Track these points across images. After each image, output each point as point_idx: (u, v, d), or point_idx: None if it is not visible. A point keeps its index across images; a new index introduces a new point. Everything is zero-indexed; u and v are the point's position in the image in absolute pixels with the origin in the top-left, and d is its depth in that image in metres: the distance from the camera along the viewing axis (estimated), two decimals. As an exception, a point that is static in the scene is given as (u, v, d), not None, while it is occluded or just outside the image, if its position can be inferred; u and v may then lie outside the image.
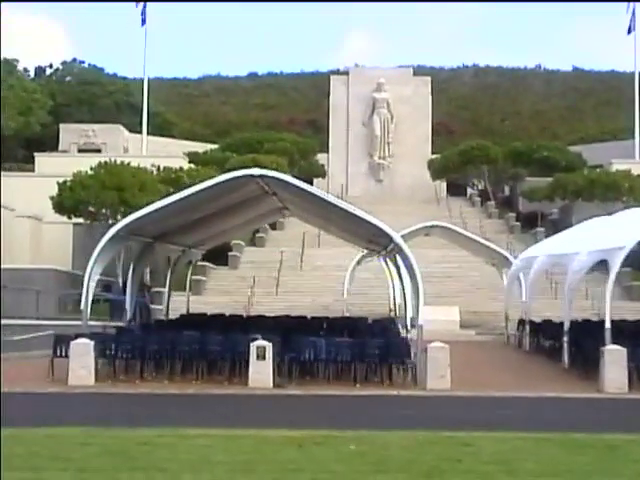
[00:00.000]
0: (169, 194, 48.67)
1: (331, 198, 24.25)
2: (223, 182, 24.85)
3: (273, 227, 61.25)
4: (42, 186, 55.39)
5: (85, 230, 52.41)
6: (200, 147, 77.84)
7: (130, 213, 46.23)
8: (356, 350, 23.69)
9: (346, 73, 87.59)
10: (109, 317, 42.38)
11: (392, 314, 38.29)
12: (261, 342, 23.00)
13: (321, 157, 78.23)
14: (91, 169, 46.43)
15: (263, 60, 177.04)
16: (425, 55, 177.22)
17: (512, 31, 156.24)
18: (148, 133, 72.03)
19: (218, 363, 24.59)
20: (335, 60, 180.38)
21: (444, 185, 76.63)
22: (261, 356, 22.83)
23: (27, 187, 56.73)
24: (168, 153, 70.08)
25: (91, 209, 45.61)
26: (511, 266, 40.20)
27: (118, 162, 46.86)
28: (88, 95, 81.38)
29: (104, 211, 45.62)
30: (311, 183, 74.67)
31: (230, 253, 54.35)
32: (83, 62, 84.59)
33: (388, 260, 32.97)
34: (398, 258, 26.74)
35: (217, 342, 23.89)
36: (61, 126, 74.30)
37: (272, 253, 55.72)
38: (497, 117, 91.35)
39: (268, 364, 22.82)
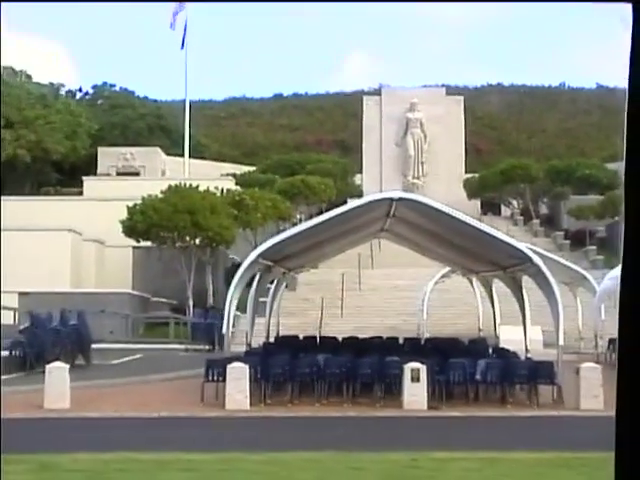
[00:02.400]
0: (235, 217, 49.25)
1: (474, 222, 24.54)
2: (362, 205, 25.10)
3: (323, 248, 61.38)
4: (92, 209, 55.67)
5: (145, 253, 52.65)
6: (235, 169, 78.11)
7: (202, 236, 46.80)
8: (506, 371, 23.93)
9: (375, 93, 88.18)
10: (190, 340, 42.59)
11: (481, 334, 38.50)
12: (415, 364, 23.21)
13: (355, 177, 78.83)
14: (161, 192, 46.63)
15: (288, 81, 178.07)
16: (450, 74, 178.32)
17: (535, 50, 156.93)
18: (185, 155, 72.40)
19: (358, 386, 24.74)
20: (358, 80, 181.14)
21: (478, 204, 77.02)
22: (415, 378, 23.04)
23: (77, 210, 56.72)
24: (205, 175, 70.41)
25: (162, 233, 45.73)
26: (586, 284, 40.57)
27: (187, 185, 47.10)
28: (120, 118, 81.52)
29: (175, 234, 45.79)
30: (345, 203, 75.24)
31: (291, 274, 54.41)
32: (114, 85, 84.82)
33: (488, 280, 33.27)
34: (524, 279, 27.06)
35: (368, 365, 24.09)
36: (99, 150, 74.40)
37: (327, 274, 55.82)
38: (524, 135, 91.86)
39: (423, 386, 23.03)
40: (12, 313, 43.19)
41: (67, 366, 23.27)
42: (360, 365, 24.16)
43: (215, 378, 23.97)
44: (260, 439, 18.48)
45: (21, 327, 32.34)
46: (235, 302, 25.77)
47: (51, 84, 67.83)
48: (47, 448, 16.31)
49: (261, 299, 51.57)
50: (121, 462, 14.25)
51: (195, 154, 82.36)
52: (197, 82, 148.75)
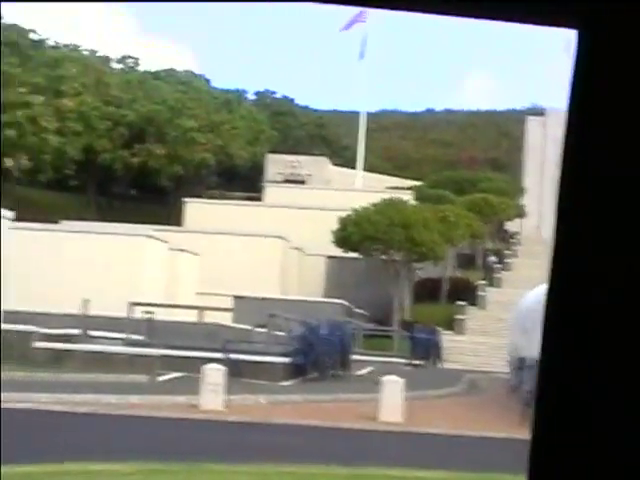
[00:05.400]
0: (441, 233, 49.38)
1: None
2: None
3: (503, 268, 61.18)
4: (277, 216, 56.18)
5: (338, 264, 53.08)
6: (397, 182, 78.30)
7: (416, 251, 46.96)
8: None
9: (529, 112, 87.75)
10: (410, 354, 42.69)
11: None
12: None
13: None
14: (374, 205, 46.94)
15: (439, 96, 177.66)
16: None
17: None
18: (357, 167, 72.85)
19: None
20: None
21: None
22: None
23: (259, 216, 57.15)
24: (369, 187, 70.96)
25: (375, 245, 46.05)
26: None
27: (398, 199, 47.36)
28: (282, 126, 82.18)
29: (387, 247, 46.07)
30: (502, 224, 74.86)
31: (479, 293, 54.45)
32: (275, 93, 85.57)
33: None
34: None
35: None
36: (269, 157, 74.96)
37: (512, 294, 55.58)
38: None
39: None
40: (229, 315, 43.65)
41: (402, 380, 23.45)
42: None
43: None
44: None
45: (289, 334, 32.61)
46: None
47: (236, 90, 68.75)
48: (453, 464, 16.54)
49: (457, 316, 51.95)
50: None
51: (352, 165, 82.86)
52: (350, 93, 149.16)
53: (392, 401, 23.06)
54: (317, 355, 30.74)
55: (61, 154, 53.63)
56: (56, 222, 45.92)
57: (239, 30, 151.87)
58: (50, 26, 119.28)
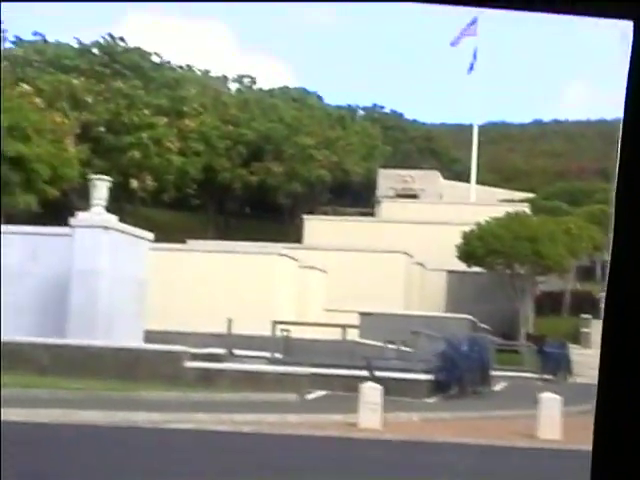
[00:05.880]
0: (564, 245, 49.02)
1: None
2: None
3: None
4: (387, 231, 56.30)
5: (459, 278, 52.97)
6: (508, 194, 77.84)
7: (542, 265, 46.71)
8: None
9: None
10: (541, 369, 42.43)
11: None
12: None
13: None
14: (496, 219, 46.84)
15: (546, 107, 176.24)
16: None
17: None
18: (471, 180, 72.60)
19: None
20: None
21: None
22: None
23: (368, 232, 57.22)
24: (480, 200, 70.69)
25: (499, 259, 45.92)
26: None
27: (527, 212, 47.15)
28: (391, 140, 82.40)
29: (512, 262, 45.85)
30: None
31: (603, 306, 53.84)
32: (383, 107, 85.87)
33: None
34: None
35: None
36: (380, 171, 75.22)
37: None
38: None
39: None
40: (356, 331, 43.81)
41: (559, 397, 23.35)
42: None
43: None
44: None
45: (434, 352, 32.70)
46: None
47: (348, 106, 69.33)
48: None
49: (583, 329, 51.40)
50: None
51: (461, 178, 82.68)
52: (457, 106, 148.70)
53: (550, 418, 22.98)
54: (460, 371, 30.78)
55: (183, 174, 54.66)
56: (183, 242, 46.67)
57: (343, 46, 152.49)
58: (160, 48, 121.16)
